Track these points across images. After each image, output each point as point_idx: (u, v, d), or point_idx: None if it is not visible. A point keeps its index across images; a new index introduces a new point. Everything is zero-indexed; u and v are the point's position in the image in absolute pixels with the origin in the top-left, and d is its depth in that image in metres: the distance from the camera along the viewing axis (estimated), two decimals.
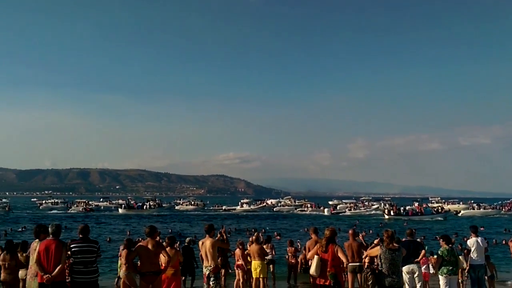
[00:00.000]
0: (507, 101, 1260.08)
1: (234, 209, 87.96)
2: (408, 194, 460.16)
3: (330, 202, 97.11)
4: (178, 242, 12.53)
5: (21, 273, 9.39)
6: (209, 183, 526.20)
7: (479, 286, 10.36)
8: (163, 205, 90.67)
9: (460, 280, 11.57)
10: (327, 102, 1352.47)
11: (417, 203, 75.92)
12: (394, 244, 7.63)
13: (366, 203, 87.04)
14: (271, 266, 13.86)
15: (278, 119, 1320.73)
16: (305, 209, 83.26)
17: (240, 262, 11.94)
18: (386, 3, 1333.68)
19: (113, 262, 18.60)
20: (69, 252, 7.14)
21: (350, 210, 76.80)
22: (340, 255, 7.51)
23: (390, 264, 7.38)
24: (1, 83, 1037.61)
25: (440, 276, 9.65)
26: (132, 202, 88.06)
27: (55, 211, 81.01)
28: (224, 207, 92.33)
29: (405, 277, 9.38)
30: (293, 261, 14.68)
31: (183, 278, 12.45)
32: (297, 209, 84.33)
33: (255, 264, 11.48)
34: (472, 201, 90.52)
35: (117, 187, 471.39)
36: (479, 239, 10.44)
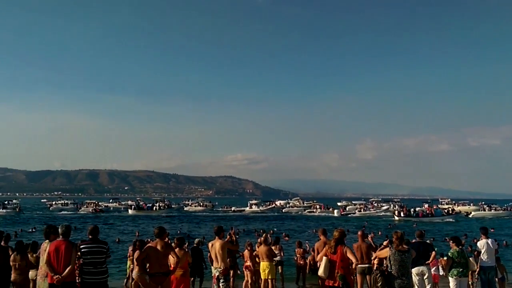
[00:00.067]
0: None
1: (243, 210, 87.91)
2: (417, 195, 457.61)
3: (339, 203, 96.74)
4: (187, 243, 12.54)
5: (31, 273, 9.45)
6: (217, 184, 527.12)
7: None
8: (172, 206, 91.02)
9: (470, 282, 11.47)
10: (335, 103, 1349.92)
11: (427, 205, 75.41)
12: (404, 246, 7.57)
13: (376, 204, 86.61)
14: (279, 267, 13.82)
15: (286, 120, 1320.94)
16: (314, 210, 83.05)
17: (248, 263, 11.93)
18: (394, 3, 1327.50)
19: (122, 263, 18.69)
20: (79, 253, 7.18)
21: (359, 211, 76.39)
22: (349, 255, 7.48)
23: (399, 265, 7.33)
24: (11, 85, 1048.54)
25: (450, 278, 9.58)
26: (141, 203, 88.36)
27: (65, 212, 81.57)
28: (233, 208, 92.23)
29: (415, 279, 9.31)
30: (301, 262, 14.64)
31: (192, 279, 12.47)
32: (306, 210, 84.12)
33: (264, 265, 11.46)
34: (483, 203, 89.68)
35: (125, 188, 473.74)
36: (489, 241, 10.33)
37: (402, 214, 63.12)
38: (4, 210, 75.39)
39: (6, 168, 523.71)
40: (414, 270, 9.25)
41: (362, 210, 77.35)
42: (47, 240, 7.71)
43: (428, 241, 12.27)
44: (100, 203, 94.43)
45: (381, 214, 73.87)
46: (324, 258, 7.62)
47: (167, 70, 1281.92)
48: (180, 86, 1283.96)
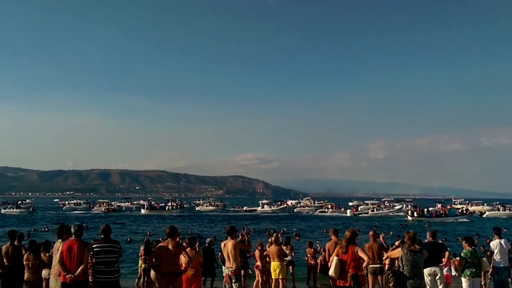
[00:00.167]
0: None
1: (255, 210, 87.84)
2: (428, 195, 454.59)
3: (350, 203, 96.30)
4: (198, 243, 12.60)
5: (44, 272, 9.54)
6: (227, 184, 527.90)
7: None
8: (184, 206, 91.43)
9: (483, 283, 11.38)
10: (346, 103, 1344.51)
11: (440, 205, 74.78)
12: (416, 246, 7.53)
13: (388, 204, 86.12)
14: (290, 267, 13.82)
15: (297, 120, 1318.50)
16: (326, 210, 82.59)
17: (259, 263, 11.94)
18: (406, 1, 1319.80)
19: (134, 263, 18.79)
20: (91, 252, 7.24)
21: (372, 211, 75.95)
22: (361, 254, 7.46)
23: (411, 266, 7.30)
24: (23, 86, 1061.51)
25: (463, 279, 9.50)
26: (153, 203, 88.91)
27: (78, 212, 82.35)
28: (245, 208, 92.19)
29: (427, 279, 9.24)
30: (312, 262, 14.62)
31: (203, 278, 12.51)
32: (318, 210, 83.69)
33: (274, 265, 11.46)
34: (497, 202, 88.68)
35: (137, 187, 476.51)
36: (502, 241, 10.22)
37: (415, 214, 62.62)
38: (18, 210, 76.31)
39: (19, 168, 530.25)
40: (426, 271, 9.18)
41: (375, 210, 76.80)
42: (60, 240, 7.78)
43: (440, 241, 12.16)
44: (112, 203, 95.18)
45: (394, 214, 73.30)
46: (335, 258, 7.62)
47: (178, 70, 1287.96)
48: (191, 86, 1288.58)
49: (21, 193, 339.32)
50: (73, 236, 7.31)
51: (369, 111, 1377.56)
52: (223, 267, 12.72)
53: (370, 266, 9.76)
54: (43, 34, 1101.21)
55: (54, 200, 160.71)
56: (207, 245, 13.73)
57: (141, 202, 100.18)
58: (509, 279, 10.84)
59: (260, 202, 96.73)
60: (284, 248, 12.98)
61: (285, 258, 12.06)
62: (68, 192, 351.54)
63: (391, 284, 7.56)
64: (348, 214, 73.38)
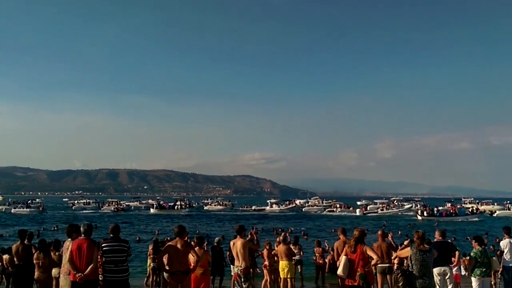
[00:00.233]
0: None
1: (264, 210, 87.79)
2: (437, 194, 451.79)
3: (359, 203, 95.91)
4: (206, 242, 12.64)
5: (54, 271, 9.61)
6: (235, 183, 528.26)
7: None
8: (193, 205, 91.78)
9: (493, 282, 11.29)
10: (354, 102, 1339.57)
11: (450, 204, 74.28)
12: (425, 245, 7.48)
13: (397, 204, 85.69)
14: (299, 266, 13.81)
15: (304, 119, 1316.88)
16: (334, 209, 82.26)
17: (267, 262, 11.94)
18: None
19: (143, 262, 18.88)
20: (100, 252, 7.28)
21: (382, 210, 75.60)
22: (370, 253, 7.44)
23: (421, 265, 7.25)
24: (32, 86, 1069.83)
25: (472, 278, 9.44)
26: (161, 202, 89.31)
27: (87, 211, 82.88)
28: (253, 208, 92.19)
29: (436, 278, 9.19)
30: (320, 261, 14.61)
31: (212, 277, 12.54)
32: (326, 210, 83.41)
33: (283, 265, 11.45)
34: (508, 202, 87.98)
35: (145, 187, 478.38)
36: None
37: (425, 214, 62.30)
38: (28, 209, 76.92)
39: (28, 167, 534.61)
40: (436, 270, 9.13)
41: (384, 209, 76.43)
42: (69, 239, 7.84)
43: (449, 241, 12.08)
44: (121, 202, 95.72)
45: (404, 213, 72.90)
46: (344, 257, 7.61)
47: (186, 69, 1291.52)
48: (199, 86, 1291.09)
49: (30, 193, 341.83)
50: (83, 235, 7.36)
51: (377, 110, 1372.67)
52: (231, 266, 12.78)
53: (379, 265, 9.73)
54: (52, 35, 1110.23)
55: (63, 199, 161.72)
56: (215, 244, 13.76)
57: (150, 201, 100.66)
58: None
59: (268, 201, 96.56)
60: (292, 247, 12.98)
61: (293, 258, 12.05)
62: (76, 192, 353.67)
63: (400, 284, 7.50)
64: (358, 214, 73.05)
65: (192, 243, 9.23)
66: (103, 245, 7.31)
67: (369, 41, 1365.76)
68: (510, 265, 10.07)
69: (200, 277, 8.86)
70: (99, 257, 7.21)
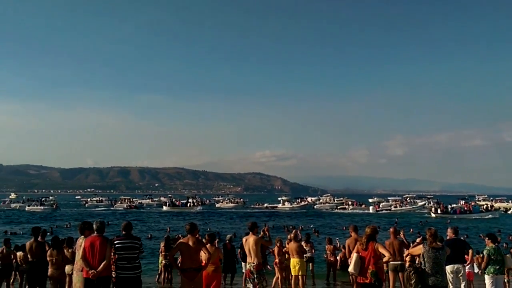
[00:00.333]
0: None
1: (276, 207, 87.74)
2: (449, 191, 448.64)
3: (371, 200, 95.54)
4: (217, 239, 12.68)
5: (67, 268, 9.69)
6: (245, 181, 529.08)
7: None
8: (205, 203, 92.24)
9: (506, 280, 11.17)
10: (365, 98, 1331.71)
11: (464, 201, 73.62)
12: (438, 243, 7.42)
13: (410, 201, 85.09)
14: (310, 264, 13.80)
15: (315, 117, 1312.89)
16: (346, 207, 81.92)
17: (277, 259, 11.94)
18: None
19: (155, 258, 19.00)
20: (113, 249, 7.33)
21: (395, 207, 75.25)
22: (382, 250, 7.40)
23: (433, 263, 7.19)
24: (45, 85, 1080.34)
25: (486, 276, 9.34)
26: (174, 200, 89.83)
27: (100, 209, 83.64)
28: (266, 205, 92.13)
29: (449, 276, 9.12)
30: (332, 259, 14.57)
31: (223, 274, 12.58)
32: (338, 207, 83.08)
33: (294, 262, 11.43)
34: None
35: (156, 185, 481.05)
36: None
37: (439, 211, 61.87)
38: (42, 207, 77.88)
39: (41, 166, 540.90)
40: (449, 268, 9.06)
41: (397, 206, 76.02)
42: (82, 236, 7.92)
43: (461, 238, 11.97)
44: (133, 200, 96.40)
45: (417, 210, 72.38)
46: (355, 254, 7.60)
47: (196, 67, 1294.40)
48: (209, 83, 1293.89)
49: (43, 191, 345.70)
50: (95, 232, 7.43)
51: (388, 107, 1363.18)
52: (242, 263, 12.81)
53: (391, 263, 9.67)
54: (64, 33, 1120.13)
55: (76, 197, 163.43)
56: (227, 241, 13.80)
57: (162, 199, 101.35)
58: None
59: (280, 199, 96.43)
60: (304, 245, 12.97)
61: (304, 255, 12.03)
62: (89, 189, 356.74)
63: (412, 281, 7.45)
64: (371, 211, 72.77)
65: (204, 240, 9.26)
66: (115, 242, 7.36)
67: (380, 36, 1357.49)
68: None
69: (211, 274, 8.89)
70: (112, 254, 7.27)
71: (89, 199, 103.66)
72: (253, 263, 8.82)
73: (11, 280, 12.19)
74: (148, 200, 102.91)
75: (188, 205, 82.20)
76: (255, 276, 8.81)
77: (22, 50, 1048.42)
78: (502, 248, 11.10)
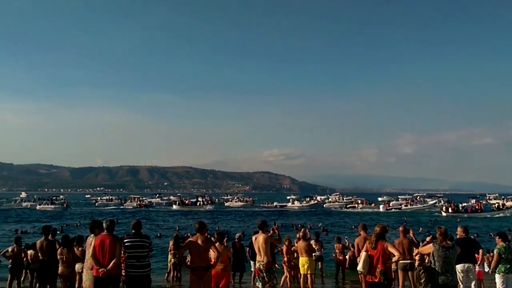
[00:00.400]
0: None
1: (286, 206, 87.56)
2: (459, 190, 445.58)
3: (380, 199, 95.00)
4: (226, 238, 12.70)
5: (77, 266, 9.79)
6: (254, 180, 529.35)
7: None
8: (215, 201, 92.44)
9: None
10: (374, 97, 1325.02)
11: (475, 200, 72.99)
12: (448, 242, 7.36)
13: (420, 199, 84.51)
14: (319, 263, 13.78)
15: (324, 115, 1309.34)
16: (356, 205, 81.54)
17: (286, 258, 11.94)
18: None
19: (164, 257, 19.05)
20: (123, 248, 7.38)
21: (406, 206, 74.72)
22: (391, 249, 7.37)
23: (443, 262, 7.14)
24: (55, 84, 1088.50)
25: (496, 275, 9.25)
26: (183, 199, 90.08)
27: (110, 208, 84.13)
28: (275, 204, 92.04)
29: (459, 275, 9.05)
30: (341, 258, 14.54)
31: (232, 273, 12.60)
32: (348, 206, 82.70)
33: (303, 261, 11.42)
34: None
35: (165, 183, 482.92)
36: None
37: (450, 210, 61.34)
38: (53, 206, 78.40)
39: (51, 165, 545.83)
40: (460, 267, 8.99)
41: (408, 205, 75.46)
42: (92, 234, 7.99)
43: (471, 237, 11.86)
44: (143, 199, 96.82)
45: (428, 209, 71.85)
46: (364, 253, 7.58)
47: (205, 66, 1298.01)
48: (218, 82, 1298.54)
49: (54, 190, 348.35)
50: (105, 231, 7.49)
51: (397, 105, 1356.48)
52: (251, 262, 12.81)
53: (401, 262, 9.62)
54: (74, 32, 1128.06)
55: (86, 196, 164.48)
56: (236, 240, 13.81)
57: (172, 198, 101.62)
58: None
59: (289, 197, 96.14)
60: (313, 244, 12.94)
61: (313, 254, 12.01)
62: (98, 188, 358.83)
63: (422, 280, 7.40)
64: (381, 210, 72.38)
65: (213, 239, 9.28)
66: (125, 240, 7.41)
67: (389, 34, 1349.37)
68: None
69: (220, 272, 8.91)
70: (122, 252, 7.32)
71: (99, 198, 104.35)
72: (263, 262, 8.82)
73: (22, 278, 12.31)
74: (157, 199, 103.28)
75: (198, 204, 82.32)
76: (265, 274, 8.81)
77: (32, 51, 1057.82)
78: None
